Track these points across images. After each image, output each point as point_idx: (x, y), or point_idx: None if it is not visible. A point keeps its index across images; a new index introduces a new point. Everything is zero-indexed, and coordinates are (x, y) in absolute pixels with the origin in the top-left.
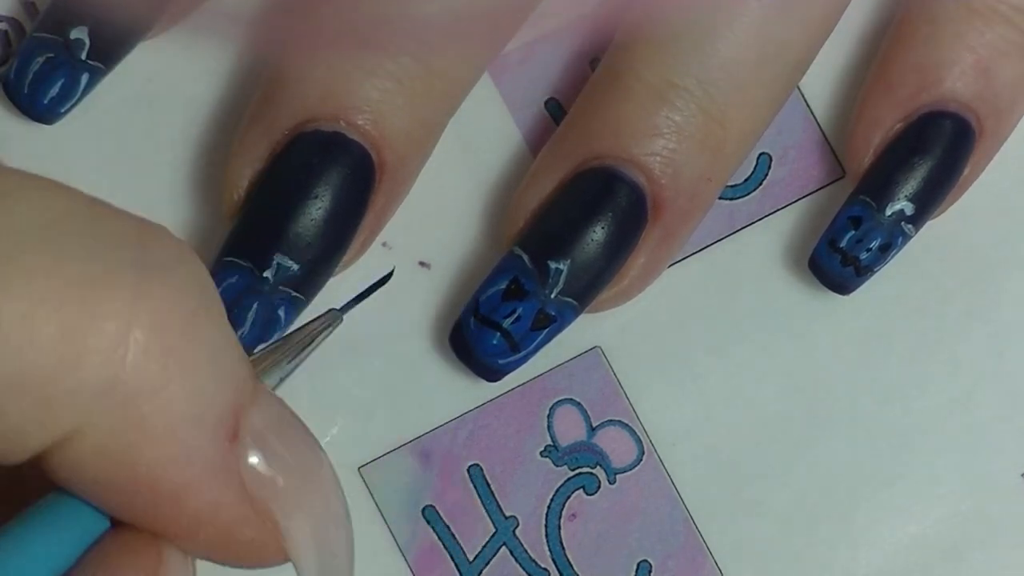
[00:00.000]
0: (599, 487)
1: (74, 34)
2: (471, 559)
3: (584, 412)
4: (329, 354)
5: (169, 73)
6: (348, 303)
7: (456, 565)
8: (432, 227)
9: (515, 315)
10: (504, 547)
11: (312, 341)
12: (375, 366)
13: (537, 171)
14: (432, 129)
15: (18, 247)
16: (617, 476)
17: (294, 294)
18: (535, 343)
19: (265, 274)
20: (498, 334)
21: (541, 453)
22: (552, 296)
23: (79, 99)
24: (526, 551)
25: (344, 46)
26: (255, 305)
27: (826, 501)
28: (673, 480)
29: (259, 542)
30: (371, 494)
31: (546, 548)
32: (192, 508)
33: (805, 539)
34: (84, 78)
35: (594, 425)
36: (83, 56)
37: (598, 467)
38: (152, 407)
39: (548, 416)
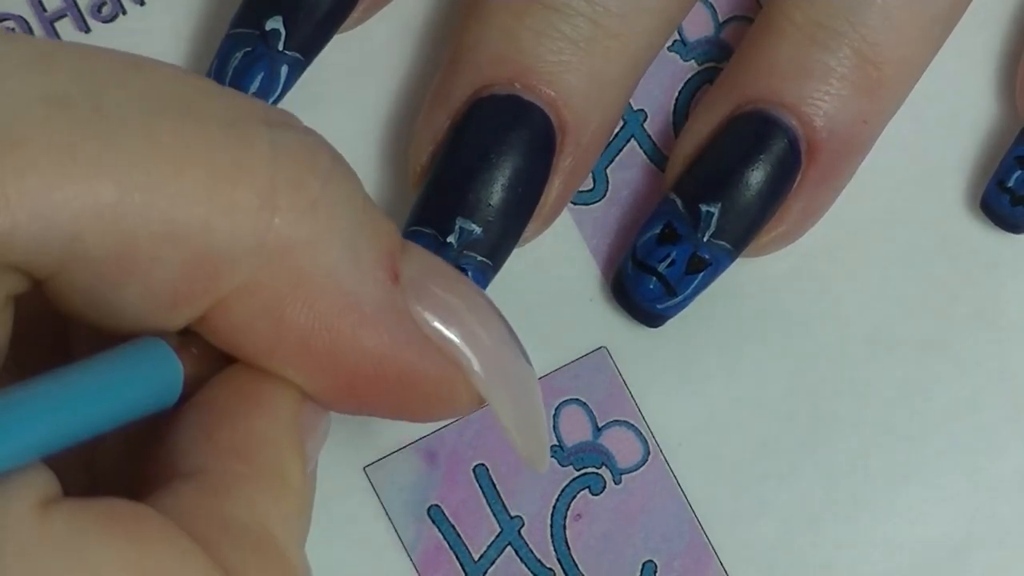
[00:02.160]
0: (604, 487)
1: (269, 24)
2: (476, 559)
3: (590, 412)
4: None
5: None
6: None
7: (461, 565)
8: None
9: (669, 259)
10: (509, 547)
11: None
12: None
13: (695, 117)
14: (611, 89)
15: (160, 109)
16: (623, 476)
17: (480, 258)
18: (692, 287)
19: (448, 239)
20: (654, 278)
21: None
22: (705, 240)
23: (281, 94)
24: (531, 551)
25: (518, 10)
26: None
27: (832, 502)
28: (679, 480)
29: (443, 385)
30: (376, 494)
31: (551, 548)
32: (371, 352)
33: (810, 540)
34: (284, 70)
35: (600, 425)
36: (280, 47)
37: (604, 467)
38: (310, 258)
39: (554, 416)
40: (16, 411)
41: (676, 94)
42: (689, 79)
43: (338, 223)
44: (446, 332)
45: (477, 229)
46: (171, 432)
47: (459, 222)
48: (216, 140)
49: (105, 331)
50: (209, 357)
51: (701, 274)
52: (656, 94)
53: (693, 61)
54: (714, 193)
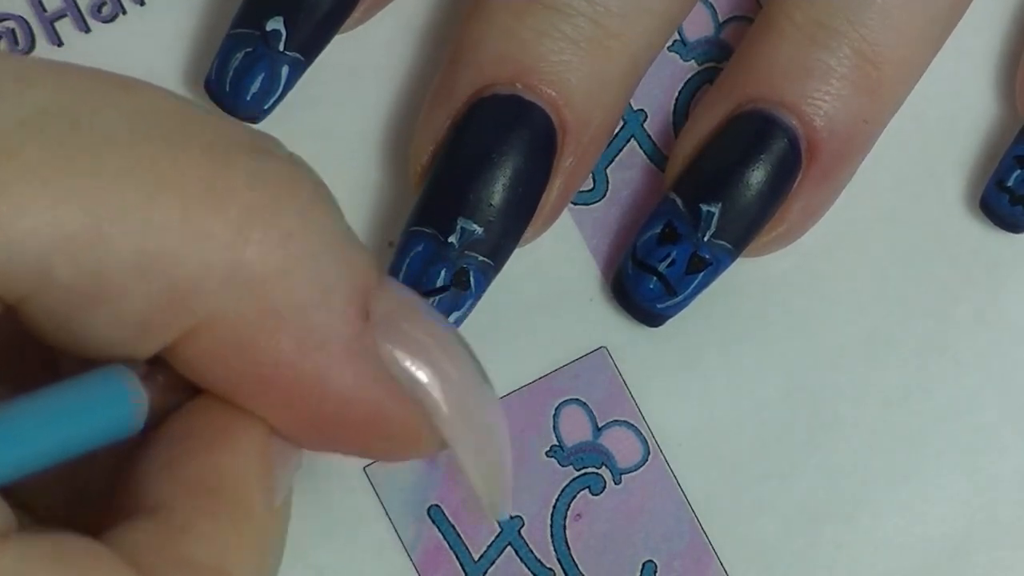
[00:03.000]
0: (604, 487)
1: (270, 25)
2: (476, 559)
3: (590, 412)
4: None
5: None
6: None
7: (461, 564)
8: None
9: (670, 259)
10: (509, 547)
11: None
12: None
13: (696, 117)
14: (612, 89)
15: (140, 132)
16: (623, 476)
17: (481, 258)
18: (692, 287)
19: (449, 239)
20: (654, 278)
21: (547, 453)
22: (705, 239)
23: (282, 94)
24: (531, 551)
25: (519, 10)
26: (443, 272)
27: (832, 501)
28: (679, 480)
29: (408, 427)
30: (376, 493)
31: (551, 548)
32: (335, 391)
33: (810, 539)
34: (284, 71)
35: (600, 425)
36: (280, 47)
37: (604, 467)
38: (280, 292)
39: (554, 416)
40: None
41: (676, 94)
42: (689, 79)
43: (311, 257)
44: (414, 372)
45: (478, 229)
46: (136, 464)
47: (460, 222)
48: (193, 166)
49: (74, 356)
50: (176, 387)
51: (701, 274)
52: (656, 94)
53: (693, 61)
54: (714, 193)
